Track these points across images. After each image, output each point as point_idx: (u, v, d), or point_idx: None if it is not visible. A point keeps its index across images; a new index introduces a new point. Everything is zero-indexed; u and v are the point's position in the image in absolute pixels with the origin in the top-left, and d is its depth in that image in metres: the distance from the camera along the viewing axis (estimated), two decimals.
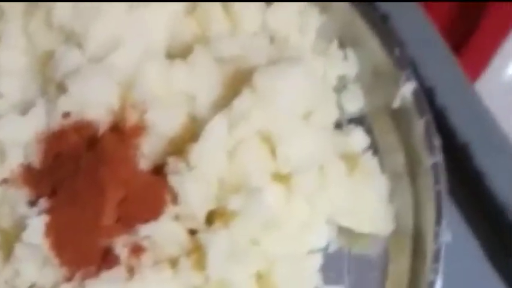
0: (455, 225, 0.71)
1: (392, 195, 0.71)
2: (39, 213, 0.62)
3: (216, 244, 0.62)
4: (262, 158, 0.66)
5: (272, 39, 0.74)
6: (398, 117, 0.73)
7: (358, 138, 0.72)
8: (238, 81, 0.68)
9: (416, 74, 0.74)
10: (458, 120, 0.73)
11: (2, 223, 0.63)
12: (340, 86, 0.75)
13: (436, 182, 0.69)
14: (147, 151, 0.65)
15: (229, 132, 0.65)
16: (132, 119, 0.65)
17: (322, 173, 0.68)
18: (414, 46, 0.75)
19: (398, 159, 0.72)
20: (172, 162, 0.64)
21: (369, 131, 0.73)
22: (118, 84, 0.66)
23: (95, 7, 0.68)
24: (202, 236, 0.62)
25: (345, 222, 0.69)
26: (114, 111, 0.66)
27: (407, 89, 0.72)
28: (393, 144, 0.73)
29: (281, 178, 0.66)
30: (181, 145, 0.65)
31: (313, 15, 0.76)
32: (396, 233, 0.70)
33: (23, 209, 0.62)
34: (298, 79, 0.67)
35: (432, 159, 0.70)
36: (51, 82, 0.67)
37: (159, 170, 0.65)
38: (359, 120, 0.74)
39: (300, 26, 0.75)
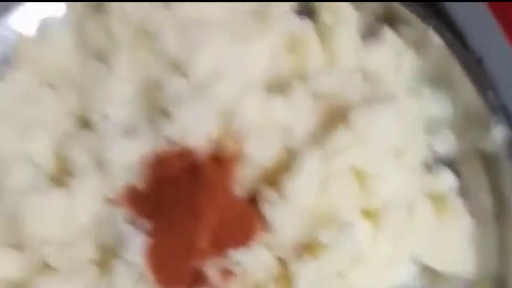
0: None
1: (478, 238, 0.72)
2: (139, 232, 0.65)
3: (304, 274, 0.64)
4: (353, 193, 0.68)
5: (367, 77, 0.76)
6: (488, 160, 0.74)
7: (446, 179, 0.73)
8: (334, 117, 0.71)
9: (508, 117, 0.74)
10: None
11: (102, 239, 0.67)
12: (431, 127, 0.76)
13: None
14: (243, 179, 0.68)
15: (323, 166, 0.67)
16: (230, 147, 0.68)
17: (410, 212, 0.69)
18: (507, 90, 0.76)
19: (486, 203, 0.73)
20: (266, 192, 0.66)
21: (458, 173, 0.74)
22: (219, 114, 0.69)
23: (200, 38, 0.72)
24: (291, 265, 0.65)
25: (429, 262, 0.70)
26: (214, 139, 0.69)
27: (498, 133, 0.73)
28: (481, 188, 0.74)
29: (370, 214, 0.68)
30: (274, 175, 0.68)
31: (408, 55, 0.77)
32: (479, 276, 0.71)
33: (124, 227, 0.66)
34: (392, 118, 0.70)
35: None
36: (156, 108, 0.70)
37: (252, 198, 0.67)
38: (448, 162, 0.75)
39: (394, 65, 0.77)
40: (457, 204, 0.72)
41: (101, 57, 0.76)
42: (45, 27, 0.79)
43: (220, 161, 0.68)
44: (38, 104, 0.75)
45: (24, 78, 0.77)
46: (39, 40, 0.78)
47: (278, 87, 0.74)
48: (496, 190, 0.73)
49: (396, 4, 0.79)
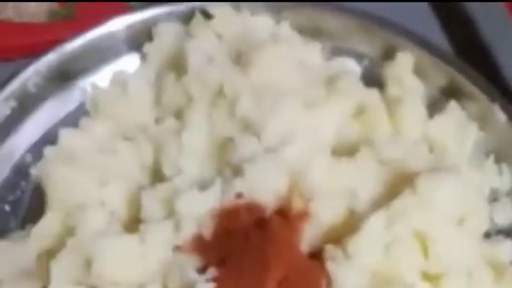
0: None
1: None
2: (207, 280, 0.68)
3: None
4: (415, 256, 0.70)
5: (431, 148, 0.79)
6: None
7: (506, 249, 0.74)
8: (398, 183, 0.73)
9: None
10: None
11: (171, 284, 0.69)
12: (493, 198, 0.78)
13: None
14: (308, 236, 0.70)
15: (387, 228, 0.69)
16: (297, 205, 0.71)
17: (470, 278, 0.70)
18: None
19: None
20: (331, 250, 0.69)
21: None
22: (288, 174, 0.72)
23: (275, 101, 0.76)
24: None
25: None
26: (282, 197, 0.71)
27: None
28: None
29: (430, 278, 0.70)
30: (339, 235, 0.70)
31: (472, 128, 0.80)
32: None
33: (192, 274, 0.68)
34: (456, 186, 0.72)
35: None
36: (228, 165, 0.74)
37: (315, 256, 0.70)
38: (508, 233, 0.76)
39: (458, 138, 0.80)
40: None
41: (177, 113, 0.80)
42: (119, 80, 0.84)
43: (288, 217, 0.70)
44: (115, 155, 0.79)
45: (101, 129, 0.81)
46: (117, 93, 0.83)
47: (345, 152, 0.77)
48: None
49: (461, 78, 0.82)
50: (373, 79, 0.84)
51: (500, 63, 0.83)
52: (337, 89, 0.79)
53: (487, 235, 0.76)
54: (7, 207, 0.81)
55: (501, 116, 0.78)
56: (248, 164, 0.72)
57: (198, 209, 0.71)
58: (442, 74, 0.83)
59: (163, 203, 0.73)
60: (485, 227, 0.75)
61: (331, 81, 0.80)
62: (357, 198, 0.73)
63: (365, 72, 0.85)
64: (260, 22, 0.84)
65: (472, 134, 0.80)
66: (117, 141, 0.80)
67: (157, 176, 0.78)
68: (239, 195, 0.72)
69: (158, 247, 0.70)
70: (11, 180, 0.82)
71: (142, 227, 0.71)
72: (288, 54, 0.80)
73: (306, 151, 0.74)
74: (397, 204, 0.70)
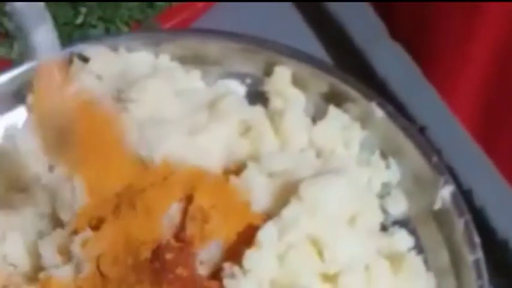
0: None
1: None
2: None
3: None
4: (311, 261, 0.72)
5: (319, 154, 0.82)
6: (440, 218, 0.78)
7: (402, 239, 0.77)
8: (287, 193, 0.75)
9: (454, 178, 0.79)
10: (497, 219, 0.78)
11: None
12: (385, 192, 0.81)
13: (479, 277, 0.74)
14: (207, 258, 0.72)
15: (280, 238, 0.71)
16: (191, 229, 0.72)
17: (368, 273, 0.73)
18: (451, 153, 0.82)
19: (443, 258, 0.77)
20: (228, 267, 0.70)
21: (413, 232, 0.78)
22: (180, 200, 0.74)
23: (159, 133, 0.77)
24: None
25: None
26: (175, 222, 0.73)
27: (446, 192, 0.77)
28: (437, 243, 0.78)
29: (329, 278, 0.72)
30: (237, 252, 0.72)
31: (355, 129, 0.83)
32: None
33: None
34: (341, 188, 0.74)
35: (473, 256, 0.75)
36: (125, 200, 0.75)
37: (216, 275, 0.71)
38: (403, 223, 0.79)
39: (343, 139, 0.82)
40: (415, 261, 0.75)
41: None
42: (10, 135, 0.85)
43: (183, 241, 0.72)
44: (12, 208, 0.79)
45: None
46: (9, 148, 0.83)
47: (236, 170, 0.79)
48: (450, 244, 0.77)
49: (339, 83, 0.85)
50: (257, 96, 0.86)
51: (373, 65, 0.87)
52: (220, 110, 0.82)
53: (384, 228, 0.79)
54: None
55: (379, 113, 0.81)
56: (141, 195, 0.73)
57: (94, 249, 0.72)
58: (321, 82, 0.85)
59: (61, 248, 0.74)
60: (378, 220, 0.78)
61: (213, 104, 0.82)
62: (250, 212, 0.75)
63: (249, 91, 0.88)
64: (139, 58, 0.86)
65: (356, 134, 0.83)
66: (13, 195, 0.81)
67: (55, 223, 0.79)
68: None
69: None
70: None
71: (42, 275, 0.72)
72: (168, 85, 0.82)
73: (196, 175, 0.76)
74: (286, 213, 0.72)
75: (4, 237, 0.78)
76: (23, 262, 0.77)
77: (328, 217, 0.73)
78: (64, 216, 0.77)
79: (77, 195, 0.77)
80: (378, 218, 0.78)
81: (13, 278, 0.74)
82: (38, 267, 0.76)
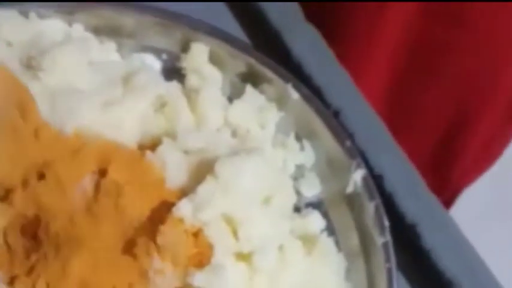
0: None
1: (349, 273, 0.76)
2: None
3: None
4: (225, 239, 0.71)
5: (234, 133, 0.81)
6: (352, 201, 0.79)
7: (315, 220, 0.78)
8: (202, 171, 0.75)
9: (366, 162, 0.80)
10: (406, 204, 0.80)
11: None
12: (298, 174, 0.81)
13: (387, 260, 0.75)
14: (119, 231, 0.70)
15: (194, 215, 0.70)
16: (104, 203, 0.71)
17: (282, 253, 0.73)
18: (363, 137, 0.83)
19: (353, 240, 0.78)
20: (142, 243, 0.69)
21: (325, 214, 0.79)
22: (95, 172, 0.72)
23: (71, 104, 0.75)
24: None
25: None
26: (88, 196, 0.71)
27: (358, 176, 0.78)
28: (348, 226, 0.79)
29: (243, 257, 0.72)
30: (150, 227, 0.71)
31: (271, 111, 0.83)
32: None
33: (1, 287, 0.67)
34: (256, 167, 0.74)
35: (382, 238, 0.76)
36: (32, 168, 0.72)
37: (128, 250, 0.70)
38: (316, 205, 0.80)
39: (259, 120, 0.82)
40: (327, 243, 0.76)
41: None
42: None
43: (94, 215, 0.70)
44: None
45: None
46: None
47: (151, 145, 0.77)
48: (361, 227, 0.78)
49: (257, 64, 0.84)
50: (173, 73, 0.85)
51: (289, 48, 0.87)
52: (135, 84, 0.80)
53: (297, 209, 0.79)
54: None
55: (295, 95, 0.81)
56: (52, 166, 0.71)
57: (1, 219, 0.70)
58: (238, 62, 0.85)
59: None
60: (292, 202, 0.78)
61: (129, 78, 0.80)
62: (165, 189, 0.73)
63: (164, 66, 0.86)
64: (51, 26, 0.83)
65: (272, 115, 0.83)
66: None
67: None
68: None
69: None
70: None
71: None
72: (81, 54, 0.79)
73: (110, 148, 0.74)
74: (201, 190, 0.71)
75: None
76: None
77: (242, 196, 0.73)
78: None
79: None
80: (292, 199, 0.78)
81: None
82: None
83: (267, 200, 0.75)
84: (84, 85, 0.79)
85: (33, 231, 0.70)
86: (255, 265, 0.72)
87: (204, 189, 0.71)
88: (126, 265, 0.68)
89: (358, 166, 0.79)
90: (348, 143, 0.80)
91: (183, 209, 0.70)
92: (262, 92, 0.84)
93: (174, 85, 0.83)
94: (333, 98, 0.86)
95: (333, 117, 0.82)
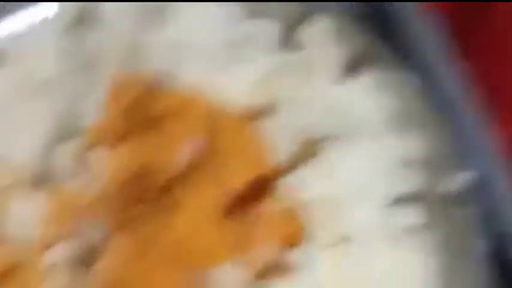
0: None
1: (440, 274, 0.74)
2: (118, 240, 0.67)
3: None
4: (321, 223, 0.71)
5: (344, 114, 0.79)
6: (454, 201, 0.77)
7: (413, 215, 0.76)
8: (306, 149, 0.74)
9: (475, 164, 0.78)
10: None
11: (78, 247, 0.69)
12: (401, 166, 0.79)
13: (483, 268, 0.73)
14: (218, 200, 0.70)
15: (294, 194, 0.70)
16: (207, 167, 0.71)
17: (376, 243, 0.72)
18: (475, 138, 0.80)
19: (449, 241, 0.76)
20: (240, 213, 0.69)
21: (424, 210, 0.77)
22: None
23: (187, 58, 0.75)
24: (259, 284, 0.67)
25: None
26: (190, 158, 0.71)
27: (465, 176, 0.76)
28: (445, 226, 0.77)
29: (337, 242, 0.71)
30: (246, 199, 0.71)
31: (384, 95, 0.81)
32: None
33: (98, 236, 0.68)
34: (363, 152, 0.73)
35: (481, 244, 0.74)
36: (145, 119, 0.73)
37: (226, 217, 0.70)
38: (416, 199, 0.78)
39: (371, 104, 0.80)
40: (422, 239, 0.74)
41: (89, 67, 0.78)
42: (29, 29, 0.82)
43: (197, 178, 0.70)
44: (23, 110, 0.77)
45: (9, 78, 0.78)
46: (28, 42, 0.80)
47: (254, 115, 0.76)
48: (459, 230, 0.76)
49: (376, 45, 0.82)
50: (287, 42, 0.83)
51: (413, 35, 0.84)
52: (248, 50, 0.79)
53: (396, 202, 0.77)
54: None
55: (412, 84, 0.79)
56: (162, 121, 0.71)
57: (108, 167, 0.70)
58: (357, 40, 0.83)
59: (74, 159, 0.72)
60: (393, 192, 0.76)
61: (243, 43, 0.79)
62: (265, 164, 0.73)
63: (280, 35, 0.84)
64: None
65: (385, 100, 0.80)
66: (26, 93, 0.78)
67: (67, 131, 0.76)
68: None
69: (67, 206, 0.69)
70: None
71: (50, 183, 0.70)
72: (203, 13, 0.78)
73: (217, 111, 0.74)
74: (305, 170, 0.71)
75: (9, 136, 0.75)
76: (30, 166, 0.74)
77: (345, 180, 0.72)
78: (79, 127, 0.75)
79: (96, 107, 0.75)
80: (393, 189, 0.76)
81: (18, 178, 0.71)
82: (44, 174, 0.73)
83: (368, 188, 0.74)
84: (201, 42, 0.78)
85: (136, 184, 0.70)
86: (348, 252, 0.71)
87: (309, 168, 0.70)
88: (222, 232, 0.68)
89: (466, 166, 0.76)
90: (460, 140, 0.78)
91: (284, 186, 0.70)
92: (377, 75, 0.82)
93: (288, 56, 0.81)
94: (449, 91, 0.83)
95: (448, 112, 0.80)
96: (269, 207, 0.69)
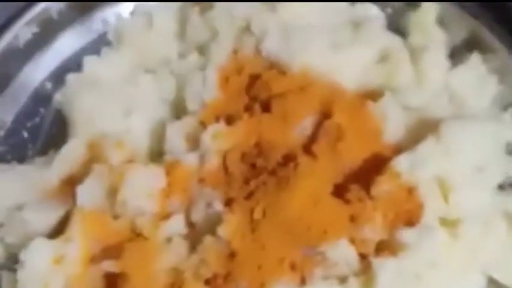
0: None
1: None
2: (232, 213, 0.68)
3: (384, 270, 0.67)
4: (435, 201, 0.71)
5: (452, 97, 0.79)
6: None
7: None
8: (421, 129, 0.74)
9: None
10: None
11: (194, 217, 0.70)
12: (508, 153, 0.79)
13: None
14: (333, 175, 0.71)
15: (410, 172, 0.70)
16: (323, 144, 0.71)
17: (486, 226, 0.72)
18: None
19: None
20: (356, 190, 0.69)
21: None
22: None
23: (302, 40, 0.76)
24: (373, 262, 0.67)
25: (498, 276, 0.72)
26: (307, 135, 0.72)
27: None
28: None
29: (448, 223, 0.71)
30: (361, 176, 0.71)
31: (491, 81, 0.80)
32: None
33: (217, 206, 0.69)
34: (477, 136, 0.73)
35: None
36: (255, 100, 0.74)
37: (339, 194, 0.70)
38: None
39: (478, 90, 0.80)
40: None
41: (200, 48, 0.80)
42: (142, 11, 0.84)
43: (314, 155, 0.71)
44: (138, 86, 0.79)
45: (125, 60, 0.81)
46: (141, 24, 0.82)
47: (368, 96, 0.77)
48: None
49: (484, 31, 0.82)
50: (395, 27, 0.84)
51: None
52: (363, 33, 0.80)
53: (503, 187, 0.77)
54: (25, 134, 0.81)
55: None
56: (277, 100, 0.72)
57: (224, 143, 0.72)
58: (465, 26, 0.83)
59: (188, 136, 0.73)
60: (500, 178, 0.76)
61: (356, 26, 0.80)
62: (381, 141, 0.73)
63: (388, 19, 0.85)
64: None
65: (491, 87, 0.80)
66: (140, 73, 0.80)
67: (178, 110, 0.78)
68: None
69: (184, 179, 0.71)
70: (30, 106, 0.82)
71: (167, 157, 0.72)
72: None
73: (334, 91, 0.75)
74: (421, 149, 0.71)
75: (129, 112, 0.77)
76: (144, 142, 0.76)
77: (460, 161, 0.72)
78: (191, 105, 0.77)
79: (209, 87, 0.76)
80: (501, 175, 0.76)
81: (138, 152, 0.73)
82: (159, 150, 0.75)
83: (480, 171, 0.73)
84: (315, 24, 0.79)
85: (252, 159, 0.71)
86: (459, 233, 0.71)
87: (425, 147, 0.71)
88: (338, 209, 0.69)
89: None
90: None
91: (401, 164, 0.70)
92: (484, 61, 0.82)
93: (398, 40, 0.82)
94: None
95: None
96: (385, 184, 0.69)
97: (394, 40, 0.81)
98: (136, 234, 0.70)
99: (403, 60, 0.80)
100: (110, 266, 0.68)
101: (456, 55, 0.83)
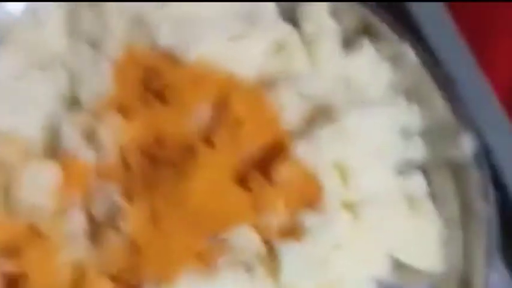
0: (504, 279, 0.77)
1: (446, 240, 0.76)
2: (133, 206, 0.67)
3: (289, 256, 0.67)
4: (335, 185, 0.71)
5: (347, 85, 0.81)
6: (457, 169, 0.78)
7: (418, 183, 0.77)
8: (319, 115, 0.75)
9: (476, 133, 0.79)
10: None
11: (94, 212, 0.68)
12: (405, 136, 0.81)
13: (488, 234, 0.74)
14: (234, 163, 0.71)
15: (310, 157, 0.71)
16: (222, 133, 0.71)
17: (387, 209, 0.73)
18: (476, 109, 0.82)
19: (453, 208, 0.77)
20: (256, 177, 0.69)
21: (428, 179, 0.78)
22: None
23: (197, 31, 0.75)
24: (277, 247, 0.68)
25: (401, 257, 0.74)
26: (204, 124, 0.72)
27: (466, 145, 0.77)
28: (449, 193, 0.78)
29: (350, 206, 0.72)
30: (262, 162, 0.71)
31: (384, 68, 0.82)
32: (446, 274, 0.75)
33: (117, 200, 0.68)
34: (374, 120, 0.74)
35: (486, 210, 0.75)
36: (152, 93, 0.73)
37: (241, 181, 0.70)
38: (419, 168, 0.79)
39: (372, 76, 0.82)
40: (428, 206, 0.76)
41: (93, 43, 0.78)
42: (32, 8, 0.81)
43: (214, 145, 0.71)
44: (29, 83, 0.76)
45: (15, 57, 0.78)
46: (31, 22, 0.80)
47: (266, 85, 0.77)
48: (462, 197, 0.78)
49: (374, 19, 0.84)
50: (288, 17, 0.84)
51: (409, 10, 0.86)
52: (259, 23, 0.80)
53: (401, 169, 0.78)
54: None
55: (412, 56, 0.80)
56: (172, 91, 0.71)
57: (121, 136, 0.70)
58: (355, 16, 0.84)
59: (84, 131, 0.71)
60: (399, 161, 0.78)
61: (251, 16, 0.80)
62: (279, 129, 0.74)
63: (281, 9, 0.85)
64: None
65: (385, 73, 0.82)
66: (31, 70, 0.78)
67: (73, 105, 0.76)
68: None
69: (80, 173, 0.69)
70: None
71: (62, 154, 0.70)
72: None
73: (231, 80, 0.74)
74: (319, 134, 0.71)
75: (19, 110, 0.74)
76: (38, 138, 0.74)
77: (358, 146, 0.73)
78: (86, 99, 0.75)
79: (103, 80, 0.75)
80: (399, 158, 0.78)
81: (29, 150, 0.71)
82: (54, 146, 0.73)
83: (378, 154, 0.75)
84: (207, 16, 0.79)
85: (151, 151, 0.70)
86: (361, 215, 0.72)
87: (323, 133, 0.71)
88: (239, 196, 0.68)
89: (468, 135, 0.78)
90: (460, 111, 0.79)
91: (301, 150, 0.71)
92: (377, 49, 0.83)
93: (293, 30, 0.82)
94: (449, 67, 0.84)
95: (448, 85, 0.81)
96: (285, 170, 0.69)
97: (288, 30, 0.82)
98: (34, 232, 0.67)
99: (297, 49, 0.80)
100: (7, 265, 0.65)
101: (350, 44, 0.84)
